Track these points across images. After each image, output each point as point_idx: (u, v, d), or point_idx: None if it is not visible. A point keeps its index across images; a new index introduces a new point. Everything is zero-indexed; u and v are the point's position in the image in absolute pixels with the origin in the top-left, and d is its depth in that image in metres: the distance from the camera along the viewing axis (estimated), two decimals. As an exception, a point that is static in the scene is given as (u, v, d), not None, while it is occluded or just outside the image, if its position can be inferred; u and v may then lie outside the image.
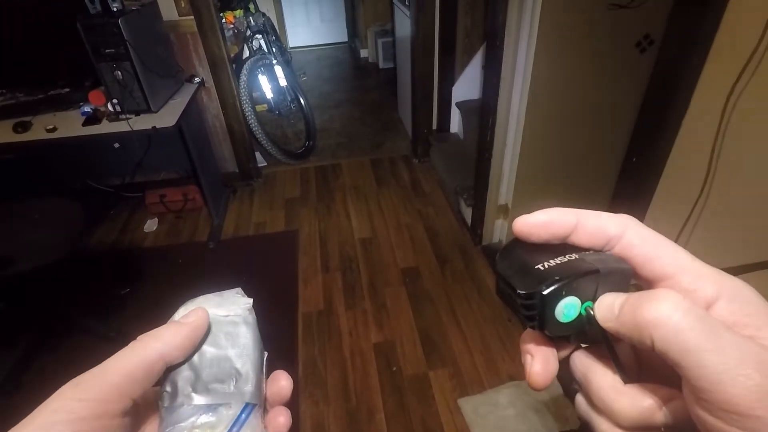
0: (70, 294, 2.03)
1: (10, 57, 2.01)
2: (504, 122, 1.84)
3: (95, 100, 1.97)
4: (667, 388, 0.20)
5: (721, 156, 0.90)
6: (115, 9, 1.79)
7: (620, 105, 1.75)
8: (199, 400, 0.24)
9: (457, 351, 1.73)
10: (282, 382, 0.28)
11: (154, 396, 0.25)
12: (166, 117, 1.97)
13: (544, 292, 0.20)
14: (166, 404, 0.24)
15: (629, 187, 1.16)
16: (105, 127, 1.90)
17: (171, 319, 0.27)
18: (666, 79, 0.99)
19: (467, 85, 2.86)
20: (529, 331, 0.23)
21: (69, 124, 1.91)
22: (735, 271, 0.73)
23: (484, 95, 1.91)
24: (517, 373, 1.62)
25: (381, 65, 4.80)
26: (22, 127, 1.87)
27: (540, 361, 0.22)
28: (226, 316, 0.27)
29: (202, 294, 0.29)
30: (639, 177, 1.11)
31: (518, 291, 0.21)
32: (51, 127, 1.87)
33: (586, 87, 1.74)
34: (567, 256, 0.21)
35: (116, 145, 2.38)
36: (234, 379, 0.25)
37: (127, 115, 1.91)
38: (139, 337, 0.24)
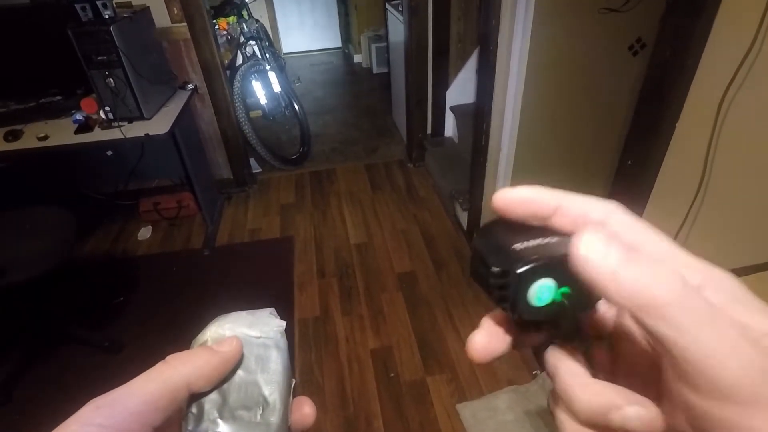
0: (63, 304, 2.01)
1: (0, 65, 1.99)
2: (498, 126, 1.85)
3: (87, 107, 1.95)
4: (636, 395, 0.19)
5: (716, 157, 0.90)
6: (106, 16, 1.78)
7: (614, 108, 1.76)
8: (224, 427, 0.23)
9: (454, 356, 1.72)
10: (306, 410, 0.27)
11: (175, 413, 0.24)
12: (159, 124, 1.95)
13: (518, 271, 0.19)
14: (190, 427, 0.23)
15: (625, 190, 1.16)
16: (97, 135, 1.88)
17: (201, 336, 0.26)
18: (659, 81, 0.99)
19: (461, 90, 2.87)
20: (496, 312, 0.22)
21: (61, 132, 1.89)
22: (736, 273, 0.73)
23: (478, 99, 1.91)
24: (515, 377, 1.62)
25: (375, 70, 4.81)
26: (13, 135, 1.85)
27: (486, 334, 0.22)
28: (258, 338, 0.26)
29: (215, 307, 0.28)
30: (634, 180, 1.11)
31: (492, 269, 0.19)
32: (42, 135, 1.85)
33: (580, 90, 1.74)
34: (548, 239, 0.20)
35: (109, 152, 2.36)
36: (261, 408, 0.24)
37: (120, 123, 1.89)
38: (167, 358, 0.23)
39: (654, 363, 0.20)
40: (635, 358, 0.21)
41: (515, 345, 0.23)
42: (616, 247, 0.17)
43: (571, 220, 0.20)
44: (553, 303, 0.19)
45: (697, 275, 0.18)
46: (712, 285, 0.18)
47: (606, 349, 0.22)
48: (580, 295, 0.19)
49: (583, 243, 0.17)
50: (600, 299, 0.19)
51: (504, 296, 0.20)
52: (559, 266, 0.19)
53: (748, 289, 0.18)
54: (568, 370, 0.20)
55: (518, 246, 0.20)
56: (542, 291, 0.19)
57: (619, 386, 0.19)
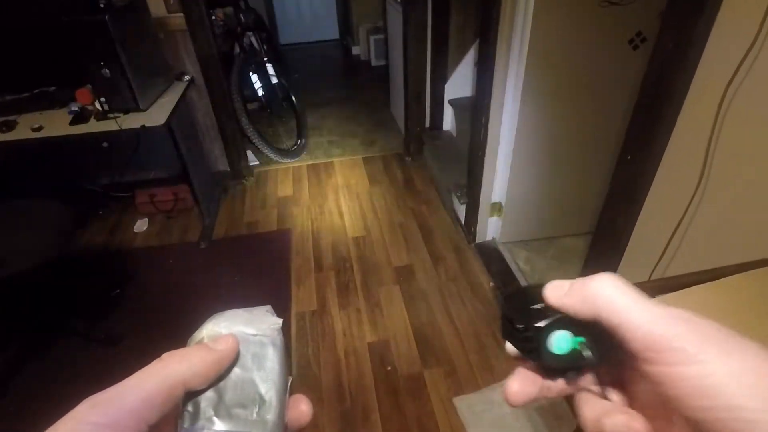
0: (59, 296, 2.00)
1: (-6, 55, 1.96)
2: (497, 120, 1.84)
3: (82, 98, 1.93)
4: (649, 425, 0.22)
5: (716, 154, 0.90)
6: (102, 6, 1.75)
7: (614, 102, 1.75)
8: (219, 425, 0.23)
9: (451, 349, 1.72)
10: (302, 408, 0.28)
11: (170, 411, 0.24)
12: (156, 115, 1.93)
13: (538, 325, 0.23)
14: (186, 425, 0.23)
15: (624, 185, 1.16)
16: (93, 126, 1.86)
17: (197, 333, 0.26)
18: (660, 76, 0.98)
19: (460, 83, 2.85)
20: (527, 363, 0.26)
21: (56, 123, 1.87)
22: (731, 270, 0.73)
23: (477, 93, 1.90)
24: (512, 371, 1.62)
25: (373, 62, 4.78)
26: (7, 126, 1.83)
27: (519, 380, 0.26)
28: (255, 335, 0.26)
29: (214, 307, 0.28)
30: (633, 175, 1.11)
31: (517, 325, 0.24)
32: (37, 126, 1.83)
33: (579, 84, 1.73)
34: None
35: (105, 144, 2.34)
36: (257, 406, 0.24)
37: (116, 114, 1.88)
38: (163, 356, 0.23)
39: (663, 400, 0.22)
40: (647, 397, 0.24)
41: (545, 391, 0.26)
42: (630, 287, 0.22)
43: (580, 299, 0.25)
44: (572, 351, 0.23)
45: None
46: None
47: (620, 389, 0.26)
48: (596, 343, 0.23)
49: (604, 280, 0.22)
50: (613, 345, 0.22)
51: (530, 348, 0.24)
52: (574, 321, 0.23)
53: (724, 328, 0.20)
54: (589, 408, 0.24)
55: (537, 306, 0.25)
56: (560, 341, 0.23)
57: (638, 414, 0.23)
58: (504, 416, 1.47)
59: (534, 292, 0.26)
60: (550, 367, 0.24)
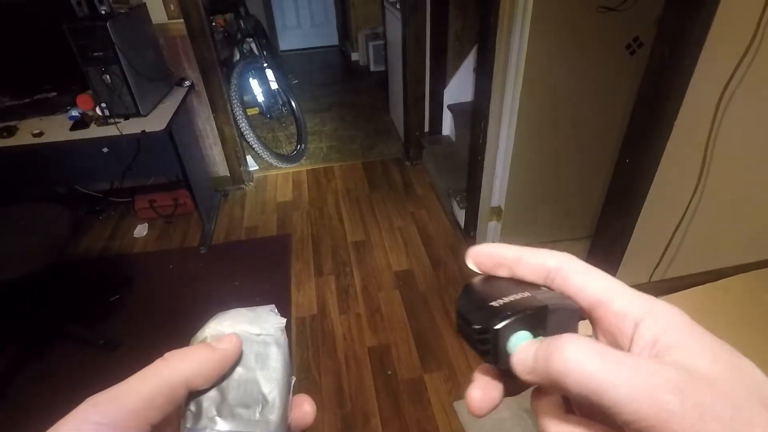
0: (58, 301, 2.00)
1: (-5, 61, 1.97)
2: (496, 124, 1.85)
3: (83, 104, 1.94)
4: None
5: (714, 156, 0.91)
6: (103, 12, 1.76)
7: (612, 107, 1.76)
8: (222, 425, 0.23)
9: (452, 353, 1.72)
10: (305, 408, 0.27)
11: (173, 410, 0.23)
12: (156, 121, 1.94)
13: (496, 327, 0.21)
14: (188, 425, 0.23)
15: (622, 189, 1.16)
16: (93, 132, 1.87)
17: (200, 333, 0.26)
18: (657, 80, 0.99)
19: (459, 88, 2.87)
20: (483, 365, 0.24)
21: (56, 129, 1.87)
22: (730, 271, 0.74)
23: (476, 98, 1.91)
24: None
25: (372, 68, 4.80)
26: (8, 131, 1.83)
27: (480, 388, 0.24)
28: (258, 335, 0.26)
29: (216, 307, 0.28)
30: (632, 178, 1.11)
31: (473, 326, 0.22)
32: (37, 131, 1.84)
33: (578, 89, 1.75)
34: (520, 294, 0.23)
35: (105, 149, 2.35)
36: (260, 405, 0.24)
37: (116, 119, 1.88)
38: (165, 355, 0.23)
39: None
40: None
41: (508, 393, 0.24)
42: (602, 348, 0.18)
43: (533, 270, 0.24)
44: None
45: (640, 308, 0.20)
46: (652, 317, 0.20)
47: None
48: None
49: (570, 351, 0.18)
50: None
51: (486, 350, 0.22)
52: (531, 318, 0.21)
53: (686, 315, 0.20)
54: (545, 410, 0.22)
55: (495, 303, 0.22)
56: (519, 342, 0.21)
57: (590, 423, 0.20)
58: (504, 420, 1.47)
59: (494, 285, 0.24)
60: (509, 371, 0.22)
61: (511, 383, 0.24)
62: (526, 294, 0.23)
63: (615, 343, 0.21)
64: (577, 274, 0.23)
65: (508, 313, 0.21)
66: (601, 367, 0.17)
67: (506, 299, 0.22)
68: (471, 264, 0.26)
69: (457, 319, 0.24)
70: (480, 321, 0.22)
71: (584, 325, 0.23)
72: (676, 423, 0.16)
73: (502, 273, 0.25)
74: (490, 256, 0.25)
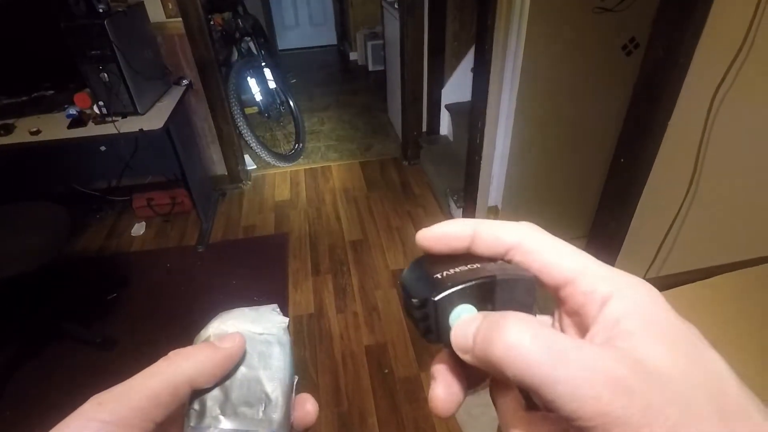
0: (56, 300, 1.99)
1: (-7, 59, 1.97)
2: (493, 124, 1.85)
3: (81, 102, 1.94)
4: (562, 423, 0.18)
5: (707, 155, 0.92)
6: (100, 10, 1.76)
7: (607, 107, 1.77)
8: (226, 424, 0.23)
9: (448, 352, 1.73)
10: (308, 407, 0.27)
11: (177, 409, 0.24)
12: (154, 119, 1.94)
13: (435, 298, 0.19)
14: (192, 423, 0.23)
15: (617, 187, 1.17)
16: (91, 130, 1.87)
17: (204, 332, 0.26)
18: (652, 80, 1.00)
19: (457, 88, 2.88)
20: (441, 354, 0.22)
21: (53, 127, 1.87)
22: (725, 268, 0.75)
23: (474, 98, 1.92)
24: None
25: (370, 68, 4.81)
26: (5, 129, 1.83)
27: (443, 385, 0.21)
28: (261, 334, 0.27)
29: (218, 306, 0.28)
30: (627, 177, 1.12)
31: (412, 299, 0.20)
32: (35, 129, 1.83)
33: (574, 89, 1.75)
34: (468, 266, 0.20)
35: (102, 148, 2.35)
36: (263, 404, 0.24)
37: (114, 118, 1.88)
38: (169, 354, 0.23)
39: None
40: None
41: (471, 385, 0.22)
42: (541, 340, 0.16)
43: (487, 245, 0.21)
44: None
45: (608, 286, 0.19)
46: (618, 297, 0.18)
47: None
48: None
49: (512, 334, 0.17)
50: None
51: (428, 327, 0.20)
52: (478, 291, 0.19)
53: (657, 296, 0.18)
54: (504, 404, 0.21)
55: (439, 275, 0.20)
56: (460, 316, 0.19)
57: (553, 416, 0.18)
58: (500, 418, 1.47)
59: (445, 259, 0.21)
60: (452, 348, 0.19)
61: (474, 372, 0.21)
62: (476, 264, 0.21)
63: (581, 324, 0.19)
64: (541, 250, 0.20)
65: (449, 284, 0.19)
66: (545, 358, 0.16)
67: (452, 271, 0.20)
68: (422, 247, 0.23)
69: (401, 295, 0.22)
70: (418, 293, 0.20)
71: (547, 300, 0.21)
72: (618, 427, 0.15)
73: (459, 253, 0.22)
74: (439, 239, 0.22)
